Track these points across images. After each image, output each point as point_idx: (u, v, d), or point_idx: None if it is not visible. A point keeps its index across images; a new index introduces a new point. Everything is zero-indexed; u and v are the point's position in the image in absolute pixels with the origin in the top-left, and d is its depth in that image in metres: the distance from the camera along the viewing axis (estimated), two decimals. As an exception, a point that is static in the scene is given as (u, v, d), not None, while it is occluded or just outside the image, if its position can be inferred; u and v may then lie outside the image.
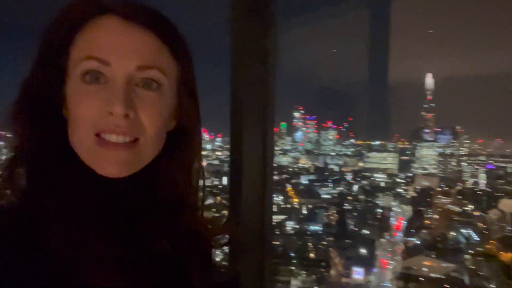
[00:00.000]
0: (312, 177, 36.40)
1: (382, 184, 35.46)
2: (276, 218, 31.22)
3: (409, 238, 27.95)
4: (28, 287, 0.48)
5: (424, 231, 27.85)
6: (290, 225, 28.99)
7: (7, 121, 0.58)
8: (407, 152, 40.68)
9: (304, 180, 35.55)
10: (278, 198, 32.80)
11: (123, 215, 0.59)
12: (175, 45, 0.61)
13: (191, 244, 0.65)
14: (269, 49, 1.19)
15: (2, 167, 0.57)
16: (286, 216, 29.46)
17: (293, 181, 34.90)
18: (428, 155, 39.35)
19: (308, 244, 26.85)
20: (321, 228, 28.89)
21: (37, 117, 0.58)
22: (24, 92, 0.59)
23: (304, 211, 30.83)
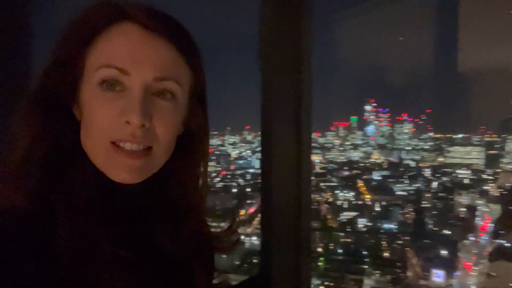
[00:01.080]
0: (385, 172, 34.78)
1: (466, 181, 32.66)
2: (347, 215, 30.39)
3: (497, 240, 25.39)
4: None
5: (515, 233, 25.11)
6: (362, 223, 28.06)
7: (17, 120, 0.58)
8: (495, 145, 36.95)
9: (376, 175, 34.11)
10: (349, 194, 31.87)
11: (131, 217, 0.60)
12: (192, 56, 0.62)
13: (196, 247, 0.66)
14: (303, 48, 1.12)
15: (11, 167, 0.57)
16: (358, 213, 28.52)
17: (365, 176, 33.67)
18: (520, 148, 35.28)
19: (382, 242, 25.73)
20: (396, 227, 27.50)
21: (49, 117, 0.58)
22: (36, 92, 0.58)
23: (377, 208, 29.60)
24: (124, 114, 0.54)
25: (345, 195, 30.72)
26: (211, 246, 0.72)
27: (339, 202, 29.83)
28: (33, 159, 0.56)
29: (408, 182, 32.81)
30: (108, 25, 0.57)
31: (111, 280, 0.52)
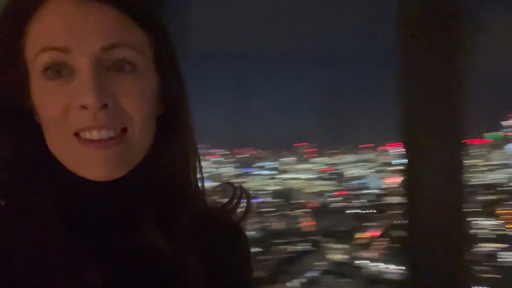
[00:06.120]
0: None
1: None
2: (485, 246, 25.93)
3: None
4: None
5: None
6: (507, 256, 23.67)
7: None
8: None
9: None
10: (488, 222, 27.38)
11: (113, 221, 0.54)
12: (143, 16, 0.53)
13: (191, 240, 0.58)
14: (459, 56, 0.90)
15: None
16: (504, 246, 24.13)
17: (509, 202, 28.63)
18: None
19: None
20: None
21: (7, 124, 0.53)
22: None
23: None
24: (77, 98, 0.48)
25: (480, 223, 26.61)
26: (216, 222, 0.64)
27: (474, 231, 25.94)
28: None
29: None
30: (36, 7, 0.50)
31: None
